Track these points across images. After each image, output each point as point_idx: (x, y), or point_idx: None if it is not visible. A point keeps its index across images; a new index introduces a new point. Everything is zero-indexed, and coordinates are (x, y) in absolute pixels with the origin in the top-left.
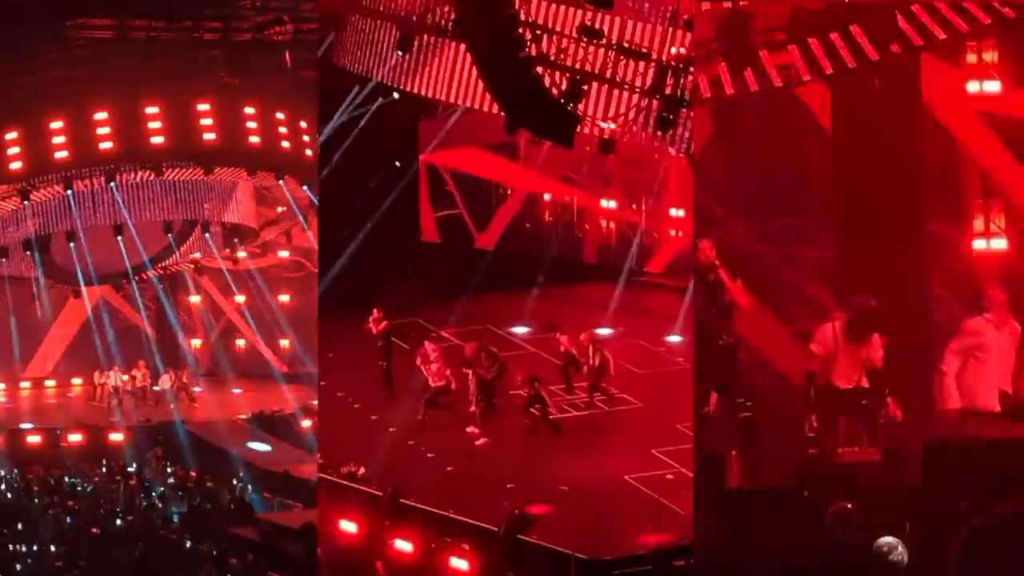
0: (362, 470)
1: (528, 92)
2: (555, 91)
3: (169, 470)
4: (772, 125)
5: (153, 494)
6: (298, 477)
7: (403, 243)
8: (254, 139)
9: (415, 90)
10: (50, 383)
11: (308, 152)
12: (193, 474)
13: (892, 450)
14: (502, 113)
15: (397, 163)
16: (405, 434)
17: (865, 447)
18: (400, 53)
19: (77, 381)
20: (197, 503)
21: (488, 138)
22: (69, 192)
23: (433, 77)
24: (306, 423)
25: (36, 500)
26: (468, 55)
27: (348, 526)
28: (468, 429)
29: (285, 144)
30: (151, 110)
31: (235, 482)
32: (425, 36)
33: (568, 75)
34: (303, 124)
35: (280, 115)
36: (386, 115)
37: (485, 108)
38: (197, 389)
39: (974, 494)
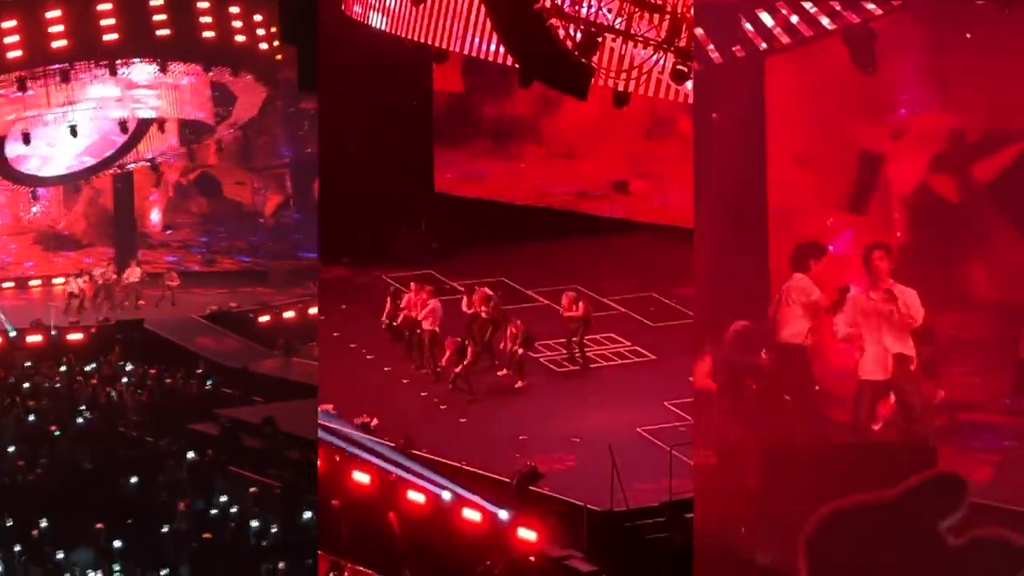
0: (375, 421)
1: (542, 44)
2: (569, 43)
3: (128, 368)
4: None
5: (112, 393)
6: (257, 372)
7: (417, 193)
8: (208, 34)
9: (428, 41)
10: (8, 284)
11: (263, 46)
12: (152, 372)
13: (728, 452)
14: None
15: (414, 103)
16: (418, 386)
17: None
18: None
19: (36, 283)
20: (156, 400)
21: None
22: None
23: (447, 29)
24: (264, 318)
25: None
26: (482, 6)
27: (361, 477)
28: (500, 373)
29: (240, 38)
30: (104, 7)
31: (194, 379)
32: None
33: (582, 27)
34: (258, 17)
35: (234, 9)
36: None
37: (500, 60)
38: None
39: (811, 497)
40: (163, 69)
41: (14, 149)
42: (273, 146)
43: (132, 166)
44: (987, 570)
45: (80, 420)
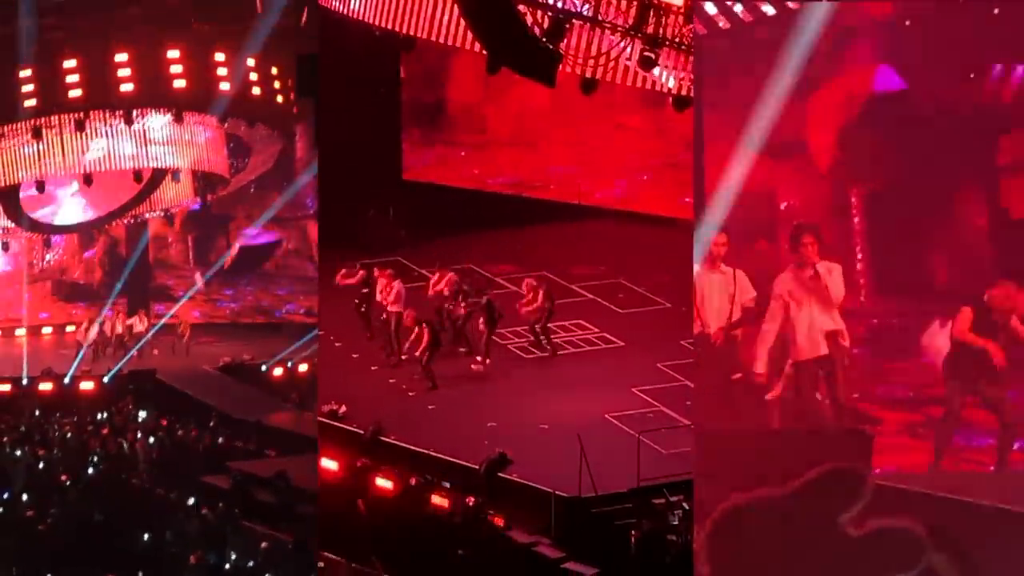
0: (343, 408)
1: (509, 30)
2: (537, 29)
3: (140, 419)
4: None
5: (123, 443)
6: (270, 425)
7: (385, 180)
8: (225, 86)
9: (396, 28)
10: (20, 331)
11: (279, 99)
12: (164, 423)
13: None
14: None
15: (382, 89)
16: (386, 373)
17: None
18: None
19: (47, 330)
20: (168, 452)
21: None
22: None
23: (415, 15)
24: (278, 371)
25: (6, 449)
26: None
27: (329, 464)
28: (475, 364)
29: (256, 91)
30: (120, 57)
31: (206, 431)
32: None
33: (550, 13)
34: (274, 70)
35: (251, 61)
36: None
37: (467, 46)
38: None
39: (747, 484)
40: (178, 119)
41: (28, 197)
42: (297, 197)
43: (147, 216)
44: (889, 560)
45: (91, 471)
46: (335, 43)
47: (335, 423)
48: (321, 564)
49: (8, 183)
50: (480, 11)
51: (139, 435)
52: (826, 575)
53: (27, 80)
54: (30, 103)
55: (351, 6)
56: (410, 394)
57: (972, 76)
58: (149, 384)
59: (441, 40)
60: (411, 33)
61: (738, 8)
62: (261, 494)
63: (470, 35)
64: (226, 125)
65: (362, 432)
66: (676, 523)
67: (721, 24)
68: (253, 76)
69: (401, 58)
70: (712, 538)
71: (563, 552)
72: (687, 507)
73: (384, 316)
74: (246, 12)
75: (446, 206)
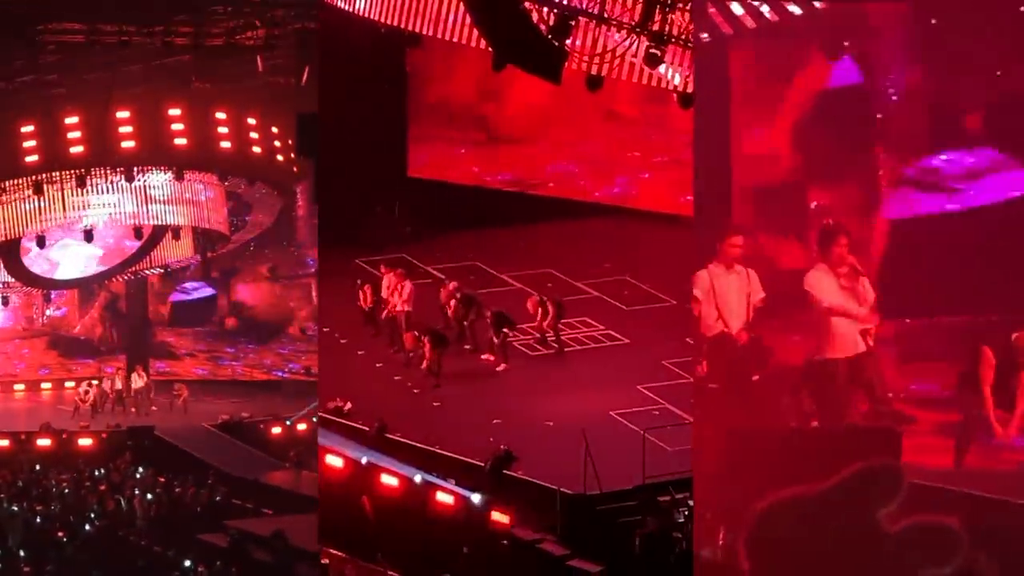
0: (348, 405)
1: (516, 27)
2: (543, 26)
3: (138, 476)
4: None
5: (121, 500)
6: (267, 484)
7: (390, 177)
8: (225, 144)
9: (403, 25)
10: (19, 387)
11: (279, 157)
12: (162, 480)
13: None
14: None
15: (386, 86)
16: (392, 370)
17: None
18: None
19: (47, 385)
20: (165, 509)
21: None
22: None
23: (420, 12)
24: (276, 430)
25: (4, 505)
26: None
27: (334, 460)
28: (484, 356)
29: (256, 149)
30: (122, 115)
31: (203, 489)
32: None
33: (556, 10)
34: (275, 129)
35: (251, 120)
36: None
37: (473, 43)
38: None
39: (774, 482)
40: (179, 177)
41: (29, 252)
42: (299, 255)
43: (147, 272)
44: (926, 556)
45: (88, 527)
46: (340, 39)
47: (340, 420)
48: (326, 561)
49: (9, 238)
50: (486, 8)
51: (137, 492)
52: (864, 571)
53: (29, 136)
54: (32, 159)
55: (356, 4)
56: (415, 391)
57: (999, 74)
58: (147, 441)
59: (446, 37)
60: (416, 30)
61: (765, 9)
62: (258, 553)
63: (476, 32)
64: (227, 183)
65: (367, 429)
66: (681, 521)
67: (749, 24)
68: (254, 135)
69: (406, 55)
70: (752, 536)
71: (568, 549)
72: (692, 504)
73: (392, 315)
74: (246, 71)
75: (451, 203)
